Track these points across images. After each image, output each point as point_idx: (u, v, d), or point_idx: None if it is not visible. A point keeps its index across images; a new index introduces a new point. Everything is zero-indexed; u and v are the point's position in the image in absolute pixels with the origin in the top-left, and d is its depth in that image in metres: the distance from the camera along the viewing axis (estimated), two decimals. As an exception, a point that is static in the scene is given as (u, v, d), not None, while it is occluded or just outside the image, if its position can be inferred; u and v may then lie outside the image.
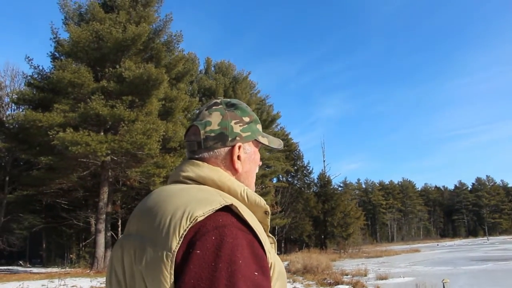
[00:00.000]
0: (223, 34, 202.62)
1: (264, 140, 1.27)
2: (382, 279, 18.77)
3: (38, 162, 23.05)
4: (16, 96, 24.01)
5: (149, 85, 22.14)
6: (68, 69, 21.13)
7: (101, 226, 23.08)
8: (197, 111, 1.25)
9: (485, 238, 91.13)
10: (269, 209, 1.12)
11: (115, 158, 22.60)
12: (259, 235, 0.98)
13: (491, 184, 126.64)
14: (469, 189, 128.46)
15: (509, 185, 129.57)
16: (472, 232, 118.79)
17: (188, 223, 0.91)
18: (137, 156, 22.19)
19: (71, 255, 29.36)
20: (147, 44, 24.21)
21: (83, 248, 31.21)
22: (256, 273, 0.90)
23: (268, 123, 42.47)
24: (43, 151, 21.79)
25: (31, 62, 23.33)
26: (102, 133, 22.28)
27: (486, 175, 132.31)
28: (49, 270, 23.92)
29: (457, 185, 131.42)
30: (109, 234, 24.47)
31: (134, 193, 28.36)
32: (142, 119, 21.93)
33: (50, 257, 32.65)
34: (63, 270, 23.30)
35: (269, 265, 0.99)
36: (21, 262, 31.34)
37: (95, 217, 24.93)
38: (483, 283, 17.33)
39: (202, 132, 1.16)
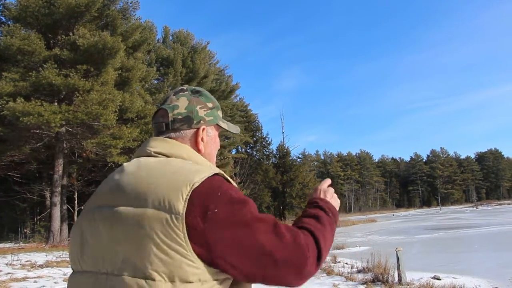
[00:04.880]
0: (181, 4, 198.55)
1: (224, 125, 1.42)
2: (339, 249, 19.19)
3: (-13, 134, 22.04)
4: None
5: (104, 54, 21.48)
6: (16, 35, 20.20)
7: (57, 199, 22.55)
8: (164, 97, 1.37)
9: (438, 208, 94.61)
10: None
11: (70, 129, 22.01)
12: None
13: (444, 156, 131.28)
14: (424, 160, 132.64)
15: (462, 157, 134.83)
16: (426, 203, 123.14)
17: (188, 188, 1.03)
18: (93, 127, 21.68)
19: (25, 230, 28.52)
20: (102, 10, 23.37)
21: (38, 222, 30.43)
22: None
23: (227, 93, 42.03)
24: (-8, 121, 20.85)
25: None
26: (55, 103, 21.53)
27: (440, 147, 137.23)
28: (1, 245, 23.21)
29: (413, 156, 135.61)
30: (65, 207, 24.01)
31: (90, 165, 27.67)
32: (97, 89, 21.37)
33: (2, 232, 31.61)
34: (16, 245, 22.66)
35: None
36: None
37: (50, 190, 24.34)
38: (434, 250, 18.07)
39: (170, 114, 1.28)
